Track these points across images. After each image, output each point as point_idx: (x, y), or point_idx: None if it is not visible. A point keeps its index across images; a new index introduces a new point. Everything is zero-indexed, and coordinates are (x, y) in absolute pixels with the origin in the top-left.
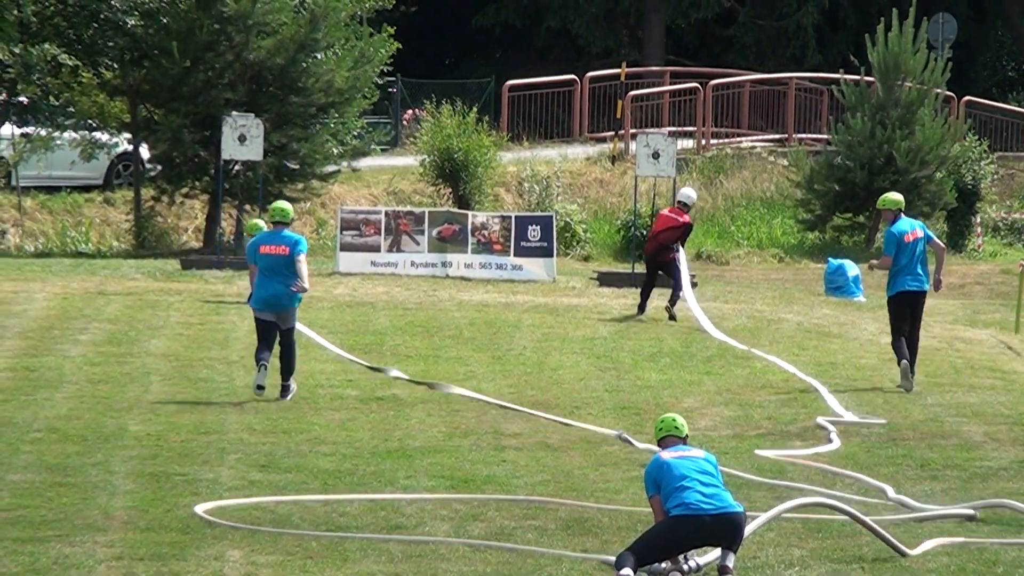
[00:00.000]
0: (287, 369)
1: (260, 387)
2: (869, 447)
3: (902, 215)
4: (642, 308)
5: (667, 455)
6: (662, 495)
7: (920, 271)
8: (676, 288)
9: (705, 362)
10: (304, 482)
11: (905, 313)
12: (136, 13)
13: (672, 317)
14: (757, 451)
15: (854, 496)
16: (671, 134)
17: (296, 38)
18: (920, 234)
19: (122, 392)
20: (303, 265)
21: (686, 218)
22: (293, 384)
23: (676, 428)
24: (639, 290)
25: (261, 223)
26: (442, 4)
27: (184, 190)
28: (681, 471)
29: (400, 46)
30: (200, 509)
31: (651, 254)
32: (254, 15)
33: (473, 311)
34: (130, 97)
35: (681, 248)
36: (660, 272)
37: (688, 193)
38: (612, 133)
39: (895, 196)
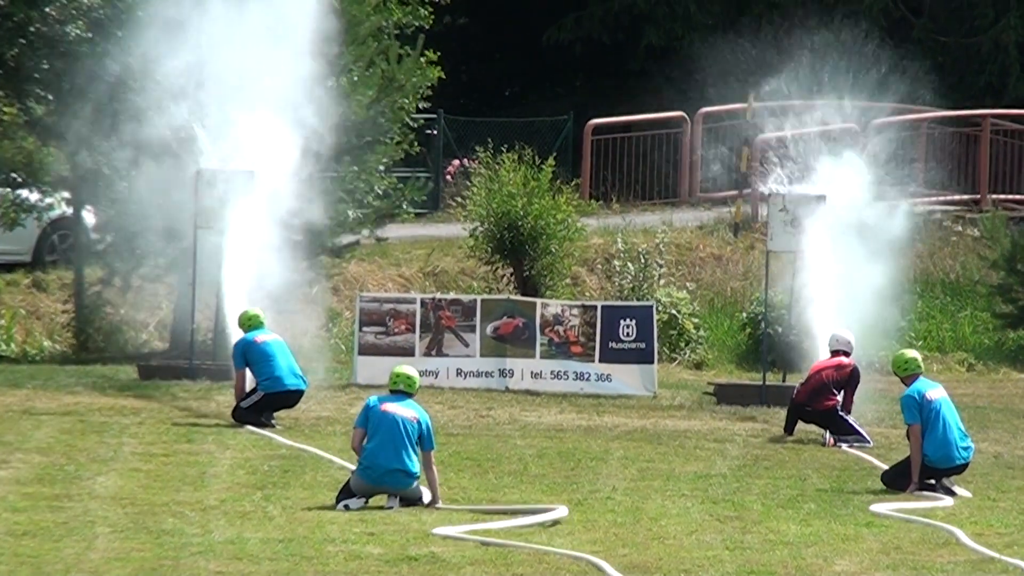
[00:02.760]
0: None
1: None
2: None
3: (920, 376)
4: (789, 429)
5: None
6: None
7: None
8: (858, 438)
9: (864, 509)
10: None
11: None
12: (80, 22)
13: (835, 444)
14: None
15: None
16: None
17: None
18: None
19: (56, 549)
20: (435, 471)
21: (852, 362)
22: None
23: None
24: (785, 410)
25: (260, 313)
26: (503, 14)
27: (143, 270)
28: None
29: (443, 75)
30: None
31: (804, 401)
32: None
33: (543, 438)
34: (70, 141)
35: (849, 416)
36: (818, 426)
37: (843, 337)
38: (735, 192)
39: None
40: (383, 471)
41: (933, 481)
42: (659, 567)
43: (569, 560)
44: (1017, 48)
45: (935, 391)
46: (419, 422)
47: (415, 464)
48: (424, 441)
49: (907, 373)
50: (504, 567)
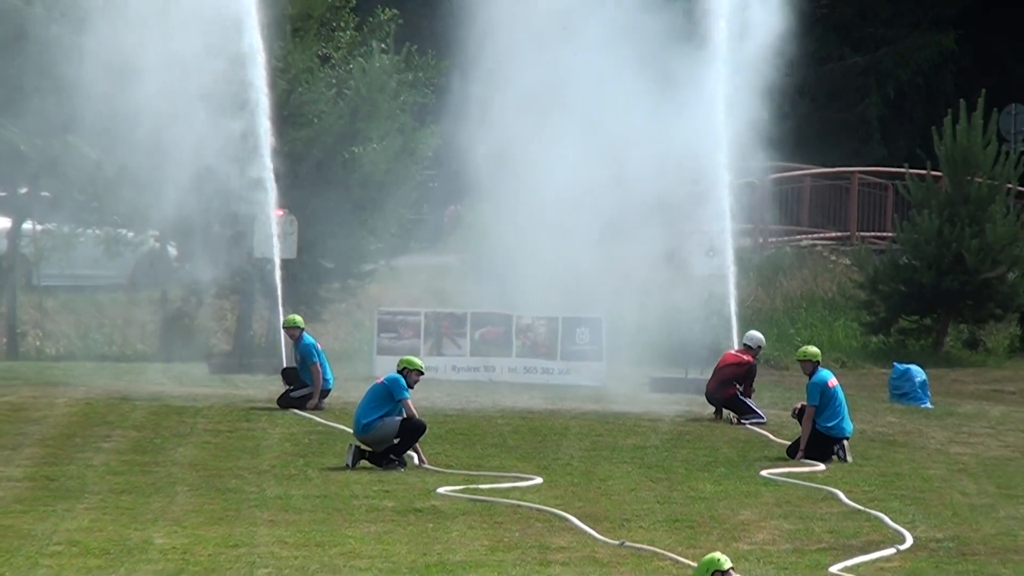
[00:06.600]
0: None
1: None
2: (937, 562)
3: (819, 366)
4: (718, 412)
5: None
6: None
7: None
8: (755, 417)
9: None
10: None
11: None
12: None
13: (739, 423)
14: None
15: None
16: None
17: (335, 129)
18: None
19: (146, 503)
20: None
21: (750, 358)
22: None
23: (717, 561)
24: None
25: (299, 318)
26: None
27: (213, 290)
28: None
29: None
30: None
31: (712, 391)
32: (289, 106)
33: (517, 418)
34: (153, 191)
35: (748, 399)
36: (727, 410)
37: (755, 336)
38: None
39: (813, 349)
40: (356, 424)
41: (837, 447)
42: (606, 516)
43: (536, 512)
44: (878, 120)
45: (833, 380)
46: (383, 382)
47: (372, 416)
48: (394, 393)
49: (810, 362)
50: (488, 516)
